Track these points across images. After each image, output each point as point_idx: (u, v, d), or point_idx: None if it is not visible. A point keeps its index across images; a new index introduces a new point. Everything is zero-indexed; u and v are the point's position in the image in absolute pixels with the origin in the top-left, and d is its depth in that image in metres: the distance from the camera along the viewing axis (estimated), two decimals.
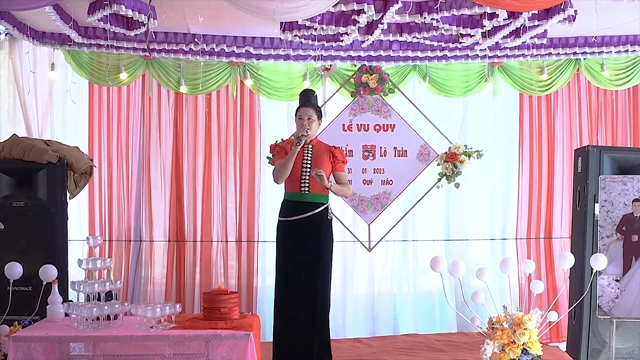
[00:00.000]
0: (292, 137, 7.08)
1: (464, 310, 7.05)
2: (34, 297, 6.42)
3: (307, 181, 6.92)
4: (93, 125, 9.08)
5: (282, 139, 8.76)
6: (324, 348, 7.11)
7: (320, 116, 7.19)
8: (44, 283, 6.39)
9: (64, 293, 6.84)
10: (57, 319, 6.42)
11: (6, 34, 8.27)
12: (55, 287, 6.48)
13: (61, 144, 7.86)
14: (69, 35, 8.08)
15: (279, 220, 7.08)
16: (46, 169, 7.48)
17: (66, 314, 6.36)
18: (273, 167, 7.07)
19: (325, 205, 7.00)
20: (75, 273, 7.47)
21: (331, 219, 7.09)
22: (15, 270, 6.31)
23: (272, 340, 7.13)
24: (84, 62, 8.85)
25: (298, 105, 7.19)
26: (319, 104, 8.98)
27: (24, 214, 7.45)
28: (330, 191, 7.02)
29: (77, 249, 8.56)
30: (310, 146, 7.07)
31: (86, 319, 6.02)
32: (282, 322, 6.96)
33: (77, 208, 8.83)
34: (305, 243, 6.89)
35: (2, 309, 6.27)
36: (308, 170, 6.94)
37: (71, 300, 6.80)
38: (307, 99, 7.18)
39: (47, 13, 7.03)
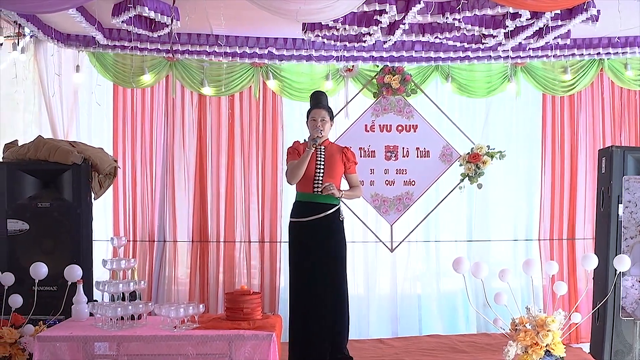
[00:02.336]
0: (307, 140, 7.08)
1: (486, 312, 7.05)
2: (59, 297, 6.45)
3: (320, 182, 6.94)
4: (117, 127, 9.14)
5: (304, 140, 8.79)
6: (341, 348, 7.13)
7: (332, 117, 7.23)
8: (69, 283, 6.43)
9: (88, 293, 6.89)
10: (82, 319, 6.47)
11: (31, 37, 8.33)
12: (80, 287, 6.53)
13: (86, 145, 7.91)
14: (93, 37, 8.14)
15: (291, 221, 7.11)
16: (71, 170, 7.52)
17: (91, 314, 6.41)
18: None
19: (337, 207, 7.01)
20: (100, 273, 7.52)
21: (343, 220, 7.10)
22: (40, 270, 6.36)
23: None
24: (109, 64, 8.90)
25: (309, 107, 7.21)
26: (342, 105, 9.06)
27: (49, 214, 7.50)
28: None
29: (101, 249, 8.62)
30: (323, 147, 7.10)
31: (110, 319, 6.06)
32: (296, 322, 7.00)
33: (102, 209, 8.88)
34: (317, 244, 6.92)
35: (27, 309, 6.32)
36: (321, 171, 6.96)
37: (96, 300, 6.84)
38: (319, 100, 7.20)
39: (72, 15, 7.08)
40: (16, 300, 6.29)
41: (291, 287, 7.10)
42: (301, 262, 6.99)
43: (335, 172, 7.06)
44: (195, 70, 9.07)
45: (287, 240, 7.20)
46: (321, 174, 6.96)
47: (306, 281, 6.92)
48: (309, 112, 7.19)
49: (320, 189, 6.88)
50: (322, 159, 7.04)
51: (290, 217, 7.12)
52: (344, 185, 7.30)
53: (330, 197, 6.91)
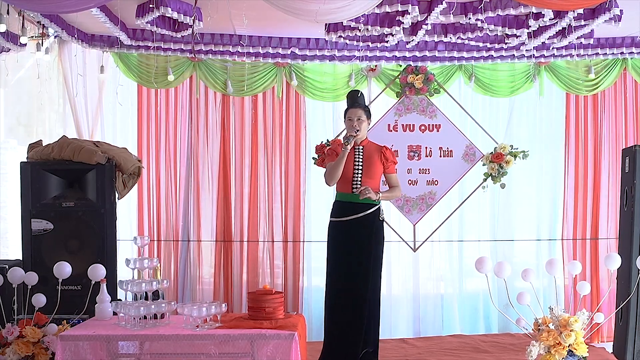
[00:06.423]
0: (342, 139, 7.07)
1: (508, 312, 7.04)
2: (83, 296, 6.50)
3: (359, 183, 6.89)
4: (142, 127, 9.20)
5: (327, 140, 8.80)
6: (374, 349, 7.14)
7: (369, 116, 7.14)
8: (93, 282, 6.48)
9: (112, 292, 6.93)
10: (106, 318, 6.49)
11: (55, 37, 8.39)
12: (104, 286, 6.54)
13: (110, 145, 7.96)
14: (117, 38, 8.18)
15: (330, 220, 7.05)
16: (95, 170, 7.58)
17: (114, 313, 6.44)
18: (319, 167, 7.07)
19: (378, 206, 6.97)
20: (124, 272, 7.56)
21: (383, 220, 7.08)
22: (64, 269, 6.41)
23: (321, 340, 7.14)
24: (133, 65, 8.96)
25: (346, 106, 7.15)
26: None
27: (73, 214, 7.57)
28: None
29: (126, 249, 8.66)
30: (361, 147, 7.03)
31: (133, 318, 6.08)
32: (333, 322, 6.96)
33: (126, 208, 8.96)
34: (358, 244, 6.88)
35: (51, 308, 6.37)
36: (360, 171, 6.92)
37: (120, 299, 6.88)
38: (355, 99, 7.12)
39: (95, 15, 7.11)
40: (40, 300, 6.34)
41: (329, 287, 7.03)
42: (341, 262, 6.93)
43: (374, 172, 6.99)
44: (219, 71, 9.11)
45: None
46: (360, 174, 6.92)
47: (346, 280, 6.87)
48: (345, 112, 7.12)
49: (358, 191, 6.86)
50: (361, 159, 6.99)
51: (330, 217, 7.06)
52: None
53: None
